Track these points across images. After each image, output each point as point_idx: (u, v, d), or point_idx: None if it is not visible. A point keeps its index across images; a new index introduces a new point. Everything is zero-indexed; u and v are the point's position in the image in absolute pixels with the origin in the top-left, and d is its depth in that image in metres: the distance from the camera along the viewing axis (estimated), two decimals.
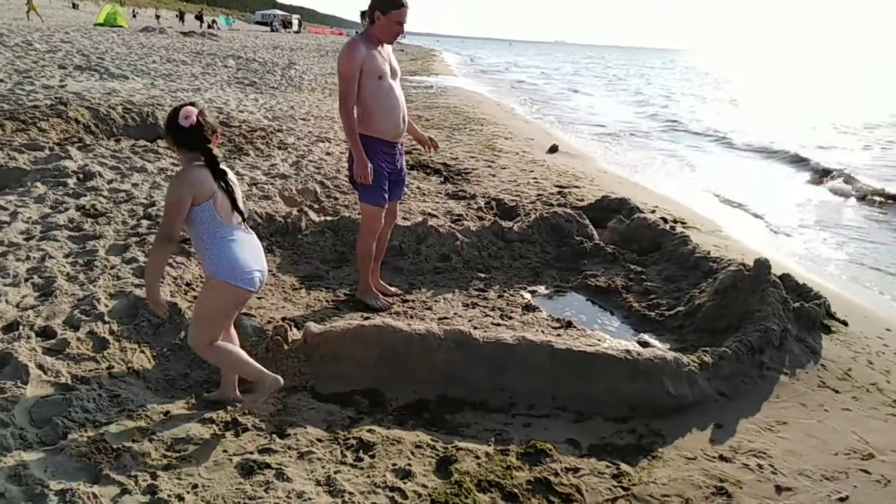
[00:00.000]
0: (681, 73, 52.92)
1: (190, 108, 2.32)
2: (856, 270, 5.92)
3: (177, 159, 6.20)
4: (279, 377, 2.57)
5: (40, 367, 2.57)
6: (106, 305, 3.10)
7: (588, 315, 4.18)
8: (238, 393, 2.73)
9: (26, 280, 3.29)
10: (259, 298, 3.85)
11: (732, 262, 4.14)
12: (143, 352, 2.94)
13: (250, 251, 2.50)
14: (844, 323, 3.85)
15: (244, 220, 2.51)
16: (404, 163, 3.98)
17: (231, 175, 2.46)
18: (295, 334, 3.12)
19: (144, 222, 4.36)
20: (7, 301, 3.06)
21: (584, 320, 4.07)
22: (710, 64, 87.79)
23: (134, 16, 51.56)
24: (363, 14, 3.59)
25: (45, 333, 2.84)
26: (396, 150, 3.81)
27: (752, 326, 3.33)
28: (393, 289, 4.18)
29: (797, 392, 3.08)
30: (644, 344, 3.71)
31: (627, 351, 3.06)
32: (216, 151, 2.42)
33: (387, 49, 3.66)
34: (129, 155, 6.04)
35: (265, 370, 2.57)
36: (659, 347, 3.60)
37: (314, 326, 3.07)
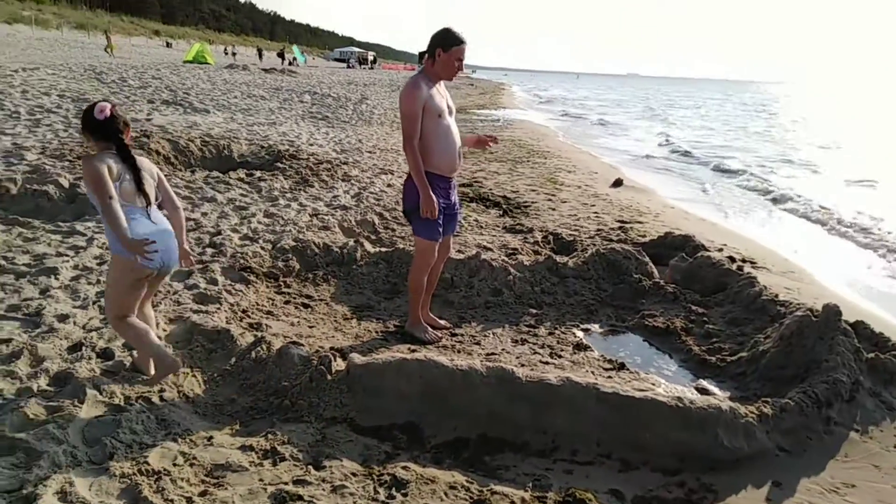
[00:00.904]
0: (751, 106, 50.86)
1: (104, 103, 2.65)
2: None
3: (244, 189, 6.49)
4: (178, 361, 2.84)
5: (97, 387, 2.70)
6: (164, 329, 3.24)
7: (644, 357, 4.01)
8: (152, 371, 2.90)
9: (94, 303, 3.49)
10: (310, 327, 3.93)
11: (801, 306, 3.89)
12: (194, 376, 3.04)
13: (151, 231, 2.67)
14: None
15: (149, 203, 2.74)
16: (457, 197, 4.00)
17: (141, 162, 2.76)
18: (339, 364, 3.15)
19: (209, 250, 4.56)
20: (75, 322, 3.26)
21: (639, 362, 3.91)
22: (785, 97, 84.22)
23: (230, 54, 54.69)
24: (422, 54, 3.64)
25: (105, 355, 2.99)
26: (451, 185, 3.83)
27: (818, 377, 3.10)
28: (442, 322, 4.17)
29: (869, 452, 2.82)
30: (702, 391, 3.52)
31: (679, 398, 2.90)
32: (128, 141, 2.74)
33: (443, 86, 3.73)
34: (201, 185, 6.37)
35: (167, 354, 2.81)
36: (718, 395, 3.40)
37: (357, 358, 3.09)
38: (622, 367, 3.72)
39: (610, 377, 3.53)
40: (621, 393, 2.88)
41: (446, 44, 3.48)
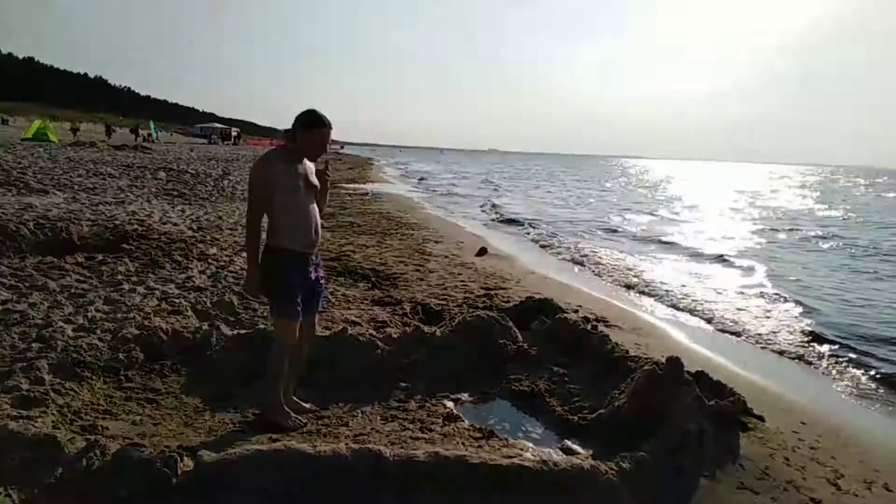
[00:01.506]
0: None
1: None
2: (780, 361, 6.08)
3: (82, 275, 5.92)
4: None
5: None
6: None
7: (512, 422, 4.05)
8: None
9: None
10: (155, 425, 3.56)
11: (649, 360, 4.17)
12: (9, 495, 2.60)
13: None
14: (761, 419, 3.86)
15: None
16: (321, 273, 3.90)
17: None
18: (187, 465, 2.85)
19: (35, 345, 4.04)
20: None
21: (508, 428, 3.94)
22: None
23: (72, 130, 50.82)
24: (286, 131, 3.60)
25: None
26: (310, 262, 3.73)
27: (668, 428, 3.29)
28: (307, 405, 3.96)
29: (717, 495, 3.00)
30: (568, 451, 3.60)
31: (544, 461, 2.93)
32: None
33: (307, 164, 3.67)
34: (31, 273, 5.71)
35: None
36: (581, 454, 3.49)
37: (207, 455, 2.82)
38: (491, 434, 3.72)
39: (480, 446, 3.51)
40: (488, 462, 2.86)
41: (308, 125, 3.49)
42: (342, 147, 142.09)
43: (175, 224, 9.55)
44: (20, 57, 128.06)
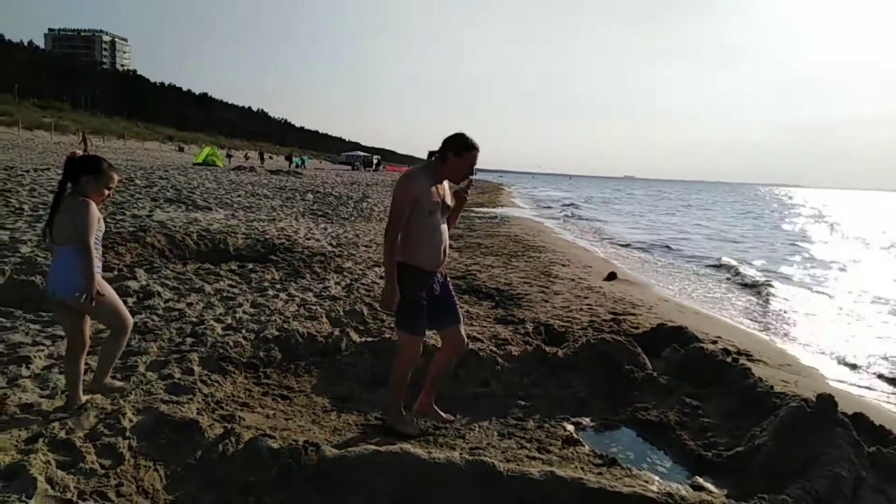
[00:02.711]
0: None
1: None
2: None
3: (234, 280, 6.48)
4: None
5: (49, 480, 2.54)
6: (130, 420, 3.10)
7: (636, 452, 3.81)
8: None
9: (62, 392, 3.37)
10: (287, 420, 3.78)
11: (797, 397, 3.74)
12: (156, 470, 2.88)
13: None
14: None
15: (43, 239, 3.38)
16: (449, 286, 3.88)
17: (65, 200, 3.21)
18: (310, 458, 2.98)
19: (189, 340, 4.47)
20: (40, 413, 3.13)
21: (632, 458, 3.71)
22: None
23: (229, 156, 56.80)
24: (431, 154, 3.62)
25: (65, 446, 2.84)
26: (435, 279, 3.74)
27: (817, 472, 2.92)
28: (446, 415, 3.98)
29: None
30: (698, 488, 3.31)
31: (670, 494, 2.72)
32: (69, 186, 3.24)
33: (445, 186, 3.67)
34: (191, 276, 6.37)
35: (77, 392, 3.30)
36: (714, 492, 3.19)
37: (329, 450, 2.94)
38: (613, 462, 3.52)
39: (600, 473, 3.33)
40: (608, 488, 2.70)
41: (459, 148, 3.46)
42: (474, 173, 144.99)
43: (317, 240, 10.22)
44: (196, 93, 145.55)
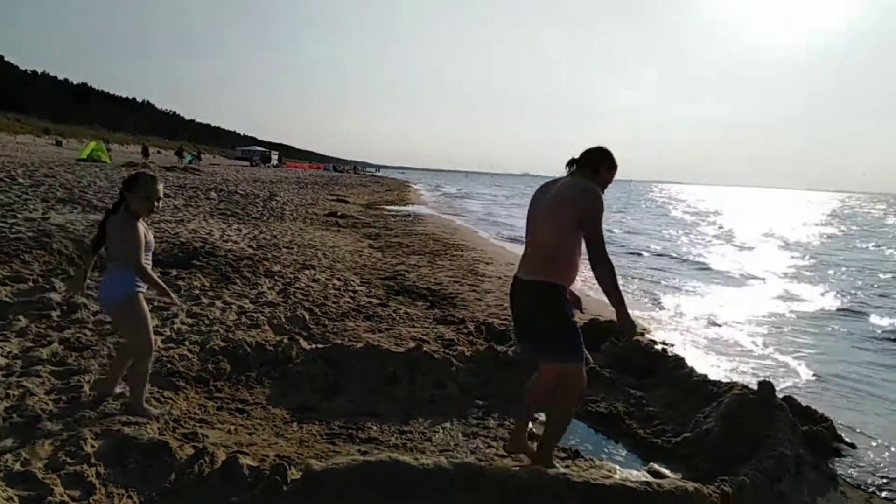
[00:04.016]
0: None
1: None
2: (848, 389, 5.90)
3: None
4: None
5: None
6: (93, 446, 2.89)
7: (593, 443, 4.04)
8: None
9: (5, 420, 3.07)
10: (249, 434, 3.65)
11: (734, 385, 4.11)
12: (130, 497, 2.70)
13: None
14: (852, 446, 3.76)
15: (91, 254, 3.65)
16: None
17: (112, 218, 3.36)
18: (293, 473, 2.92)
19: None
20: None
21: (591, 449, 3.92)
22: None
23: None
24: (573, 161, 3.24)
25: (25, 479, 2.60)
26: None
27: (765, 453, 3.24)
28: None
29: None
30: (655, 474, 3.57)
31: (648, 483, 2.92)
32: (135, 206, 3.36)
33: None
34: None
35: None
36: (672, 477, 3.45)
37: (315, 464, 2.89)
38: (577, 454, 3.72)
39: (567, 466, 3.51)
40: (592, 482, 2.86)
41: (612, 165, 3.18)
42: (378, 170, 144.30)
43: (235, 242, 9.81)
44: (75, 83, 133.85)
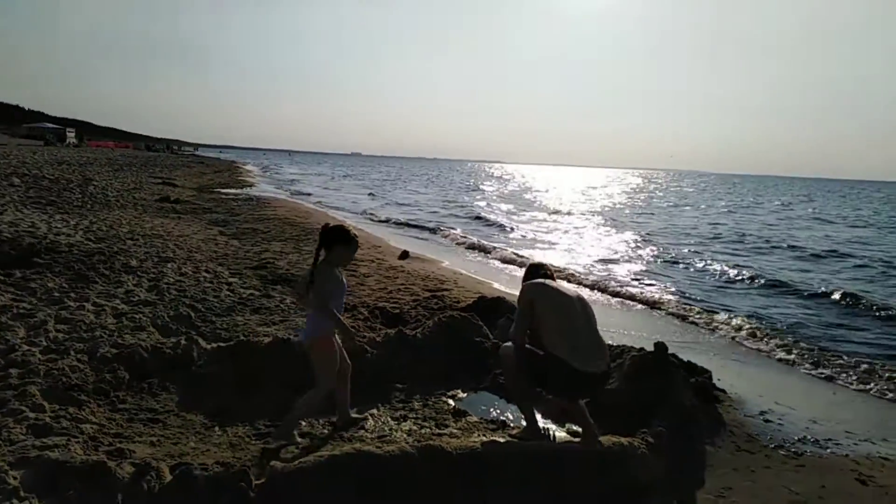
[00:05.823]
0: None
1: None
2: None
3: (14, 294, 5.31)
4: None
5: None
6: (15, 477, 2.51)
7: (513, 413, 4.31)
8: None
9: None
10: (175, 444, 3.39)
11: (628, 347, 4.63)
12: None
13: None
14: (723, 391, 4.47)
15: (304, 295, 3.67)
16: None
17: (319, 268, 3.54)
18: (260, 479, 2.79)
19: (13, 371, 3.65)
20: None
21: (512, 418, 4.19)
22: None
23: None
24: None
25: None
26: None
27: (670, 404, 3.74)
28: None
29: (724, 459, 3.49)
30: (572, 433, 3.93)
31: (598, 444, 3.23)
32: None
33: None
34: None
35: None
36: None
37: (278, 465, 2.79)
38: (504, 425, 3.97)
39: (503, 436, 3.74)
40: (546, 447, 3.11)
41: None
42: (196, 149, 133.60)
43: (69, 235, 8.68)
44: None
